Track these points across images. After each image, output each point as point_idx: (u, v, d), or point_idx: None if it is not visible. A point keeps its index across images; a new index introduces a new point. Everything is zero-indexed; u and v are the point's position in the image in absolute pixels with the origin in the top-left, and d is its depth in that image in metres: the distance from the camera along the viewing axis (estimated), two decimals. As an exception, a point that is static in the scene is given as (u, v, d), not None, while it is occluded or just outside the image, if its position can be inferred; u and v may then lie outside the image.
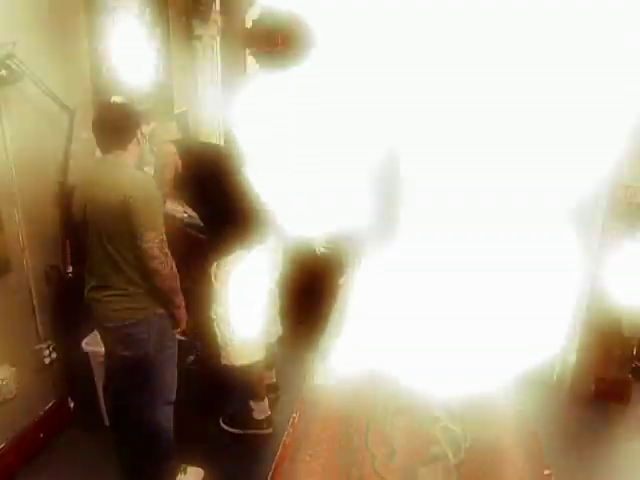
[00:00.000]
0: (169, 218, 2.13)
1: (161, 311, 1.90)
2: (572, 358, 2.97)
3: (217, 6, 3.27)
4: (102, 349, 2.05)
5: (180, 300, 1.92)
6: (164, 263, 1.79)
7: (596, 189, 2.73)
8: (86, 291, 1.90)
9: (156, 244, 1.76)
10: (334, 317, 1.79)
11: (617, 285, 2.81)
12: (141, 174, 1.87)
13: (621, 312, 2.84)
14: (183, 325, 2.00)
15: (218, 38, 3.36)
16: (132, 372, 1.94)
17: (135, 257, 1.80)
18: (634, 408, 2.92)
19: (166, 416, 2.05)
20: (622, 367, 2.94)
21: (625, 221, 2.65)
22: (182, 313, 1.96)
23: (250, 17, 3.43)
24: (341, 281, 2.11)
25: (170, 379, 2.03)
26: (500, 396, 1.44)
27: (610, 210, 2.64)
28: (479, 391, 1.40)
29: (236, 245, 2.24)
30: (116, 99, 2.60)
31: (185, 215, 2.35)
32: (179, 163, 2.15)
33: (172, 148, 2.16)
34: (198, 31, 3.27)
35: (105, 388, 2.16)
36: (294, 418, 1.19)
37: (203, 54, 3.44)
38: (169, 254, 1.81)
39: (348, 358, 1.57)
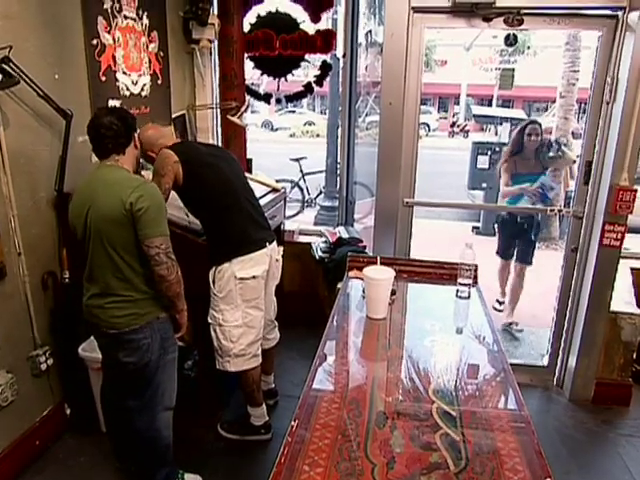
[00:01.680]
0: (168, 224, 2.11)
1: (163, 315, 1.89)
2: (572, 362, 2.96)
3: (215, 10, 3.27)
4: (98, 355, 2.03)
5: (183, 305, 1.92)
6: (171, 269, 1.78)
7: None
8: (85, 298, 1.88)
9: (162, 250, 1.75)
10: (332, 322, 1.77)
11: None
12: (145, 180, 1.86)
13: (621, 316, 2.85)
14: (184, 330, 1.99)
15: (216, 42, 3.35)
16: (134, 378, 1.93)
17: (140, 264, 1.80)
18: (635, 411, 2.92)
19: (166, 422, 2.04)
20: (622, 371, 2.93)
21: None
22: (184, 317, 1.96)
23: (248, 21, 3.44)
24: (339, 286, 2.09)
25: (171, 384, 2.02)
26: (500, 402, 1.44)
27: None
28: (479, 397, 1.39)
29: (234, 250, 2.22)
30: (112, 103, 2.59)
31: (184, 220, 2.33)
32: (180, 171, 2.13)
33: (174, 156, 2.14)
34: (195, 34, 3.27)
35: (102, 394, 2.15)
36: (292, 426, 1.18)
37: (201, 58, 3.44)
38: (175, 260, 1.81)
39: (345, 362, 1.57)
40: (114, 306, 1.82)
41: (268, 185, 3.14)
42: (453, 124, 17.85)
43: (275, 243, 2.41)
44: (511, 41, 2.72)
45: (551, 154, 3.45)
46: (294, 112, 18.52)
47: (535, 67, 14.07)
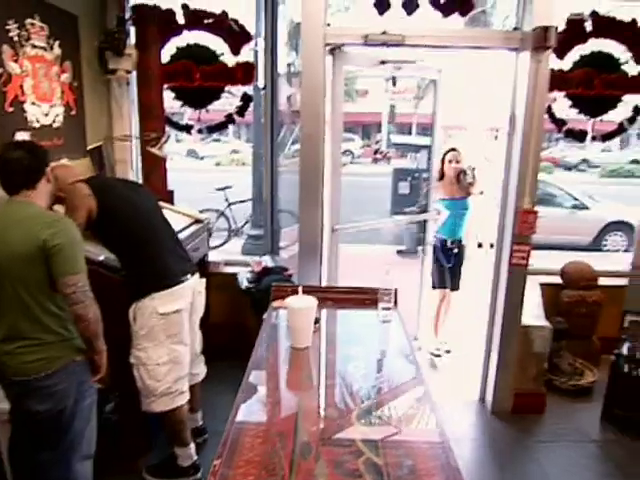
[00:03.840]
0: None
1: (79, 358, 1.80)
2: (492, 376, 3.11)
3: (132, 40, 3.23)
4: (6, 406, 1.88)
5: (102, 345, 1.84)
6: (89, 307, 1.71)
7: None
8: None
9: (79, 288, 1.69)
10: (256, 353, 1.77)
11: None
12: (59, 216, 1.79)
13: (531, 329, 3.05)
14: (103, 371, 1.90)
15: (134, 72, 3.30)
16: (48, 427, 1.81)
17: (53, 303, 1.72)
18: (549, 418, 3.11)
19: (84, 473, 1.93)
20: (536, 381, 3.13)
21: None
22: (103, 358, 1.87)
23: (167, 52, 3.43)
24: (265, 316, 2.09)
25: (89, 431, 1.91)
26: (421, 423, 1.49)
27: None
28: (400, 420, 1.44)
29: (155, 285, 2.17)
30: (20, 135, 2.47)
31: (99, 256, 2.24)
32: (93, 204, 2.06)
33: (86, 188, 2.07)
34: (112, 65, 3.20)
35: (11, 448, 1.98)
36: (215, 466, 1.15)
37: (119, 89, 3.37)
38: (93, 298, 1.73)
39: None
40: (24, 351, 1.71)
41: (190, 216, 3.11)
42: (376, 151, 18.51)
43: (197, 275, 2.39)
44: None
45: (468, 180, 3.70)
46: (219, 141, 18.45)
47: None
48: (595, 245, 7.73)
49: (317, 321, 1.89)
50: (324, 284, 2.90)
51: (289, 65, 3.93)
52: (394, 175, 6.73)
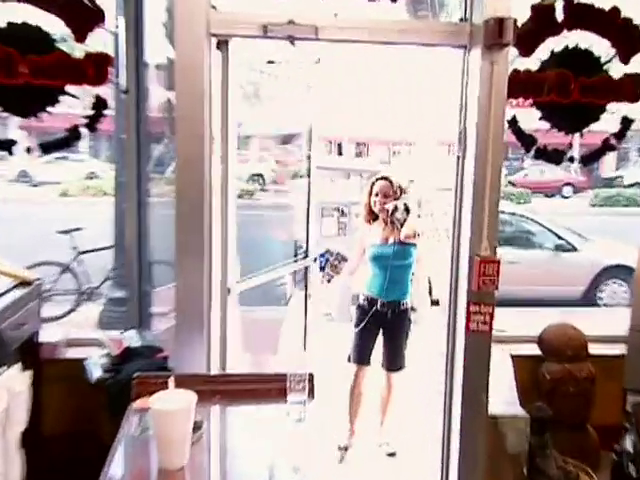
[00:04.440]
0: None
1: None
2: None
3: None
4: None
5: None
6: None
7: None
8: None
9: None
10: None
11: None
12: None
13: (503, 420, 3.16)
14: None
15: None
16: None
17: None
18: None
19: None
20: (515, 492, 3.22)
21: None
22: None
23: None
24: (123, 421, 2.04)
25: None
26: None
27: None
28: None
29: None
30: None
31: None
32: None
33: None
34: None
35: None
36: None
37: None
38: None
39: None
40: None
41: (11, 276, 3.01)
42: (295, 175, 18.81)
43: (18, 367, 2.31)
44: None
45: (399, 216, 3.85)
46: (67, 158, 18.01)
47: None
48: (588, 298, 8.13)
49: (199, 426, 1.87)
50: (213, 371, 2.87)
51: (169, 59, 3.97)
52: (316, 211, 6.87)
